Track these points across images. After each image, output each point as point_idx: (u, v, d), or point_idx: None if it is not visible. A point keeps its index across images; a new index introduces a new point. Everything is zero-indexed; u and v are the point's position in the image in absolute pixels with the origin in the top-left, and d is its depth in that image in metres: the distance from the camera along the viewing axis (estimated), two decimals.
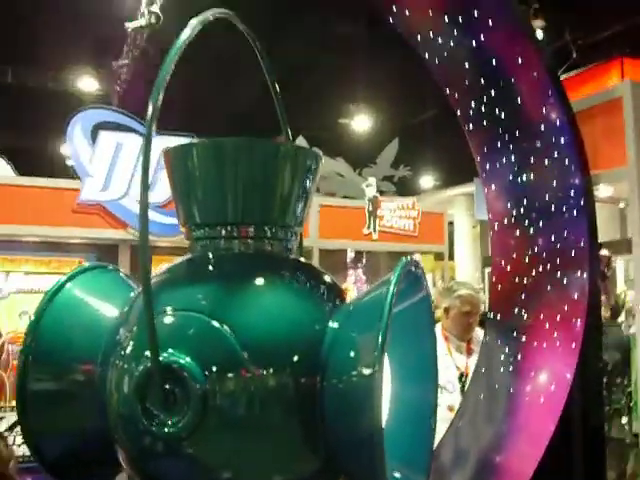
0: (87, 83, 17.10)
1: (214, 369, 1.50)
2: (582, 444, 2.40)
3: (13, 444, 6.49)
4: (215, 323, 1.55)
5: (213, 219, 1.78)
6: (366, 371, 1.42)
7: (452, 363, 4.01)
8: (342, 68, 14.48)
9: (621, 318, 6.76)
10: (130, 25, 13.36)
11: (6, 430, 6.74)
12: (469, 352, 4.17)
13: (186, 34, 1.68)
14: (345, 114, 17.55)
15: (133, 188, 6.48)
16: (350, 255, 7.65)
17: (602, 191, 4.81)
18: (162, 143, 6.51)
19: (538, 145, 2.50)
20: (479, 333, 4.30)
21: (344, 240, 7.28)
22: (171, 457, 1.57)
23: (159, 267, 6.20)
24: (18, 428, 5.74)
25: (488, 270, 13.48)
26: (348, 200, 8.08)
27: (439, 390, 3.33)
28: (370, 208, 7.54)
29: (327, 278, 1.84)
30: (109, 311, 1.83)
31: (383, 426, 1.40)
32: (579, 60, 12.96)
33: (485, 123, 2.66)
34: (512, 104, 2.54)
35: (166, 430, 1.49)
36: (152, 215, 6.51)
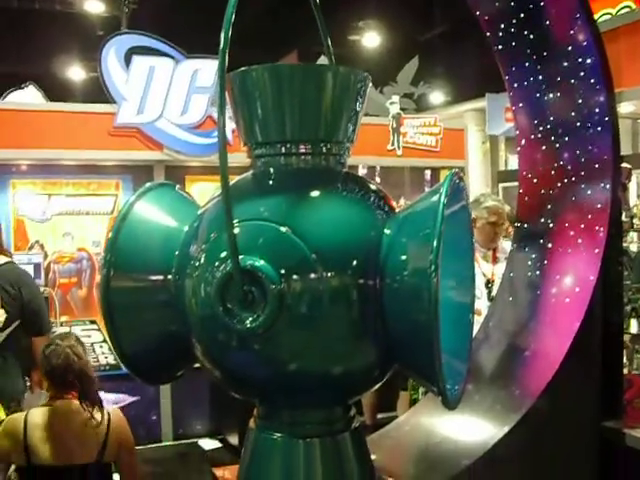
0: (94, 5, 16.81)
1: (288, 270, 1.67)
2: (603, 338, 2.58)
3: None
4: (283, 229, 1.71)
5: (273, 137, 1.90)
6: (423, 272, 1.57)
7: (479, 270, 4.15)
8: None
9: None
10: None
11: None
12: (495, 260, 4.33)
13: None
14: (355, 31, 17.27)
15: (167, 110, 6.55)
16: (362, 171, 7.69)
17: (623, 107, 4.86)
18: (192, 66, 6.61)
19: (565, 65, 2.60)
20: (504, 243, 4.45)
21: (368, 156, 7.33)
22: (248, 351, 1.75)
23: (192, 187, 6.32)
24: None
25: (502, 185, 13.50)
26: (371, 117, 8.10)
27: None
28: (394, 125, 7.60)
29: (376, 189, 1.98)
30: (177, 225, 1.98)
31: (439, 319, 1.57)
32: None
33: (514, 44, 2.75)
34: (541, 26, 2.62)
35: (247, 326, 1.66)
36: (185, 136, 6.61)
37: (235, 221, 1.73)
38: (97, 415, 3.01)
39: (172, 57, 6.57)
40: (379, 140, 7.46)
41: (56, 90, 14.19)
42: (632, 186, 11.47)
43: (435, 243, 1.56)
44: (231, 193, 1.81)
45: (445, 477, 2.33)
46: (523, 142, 2.89)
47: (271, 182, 1.92)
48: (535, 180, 2.84)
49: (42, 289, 6.35)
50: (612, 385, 2.62)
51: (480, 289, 4.00)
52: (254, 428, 1.96)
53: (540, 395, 2.41)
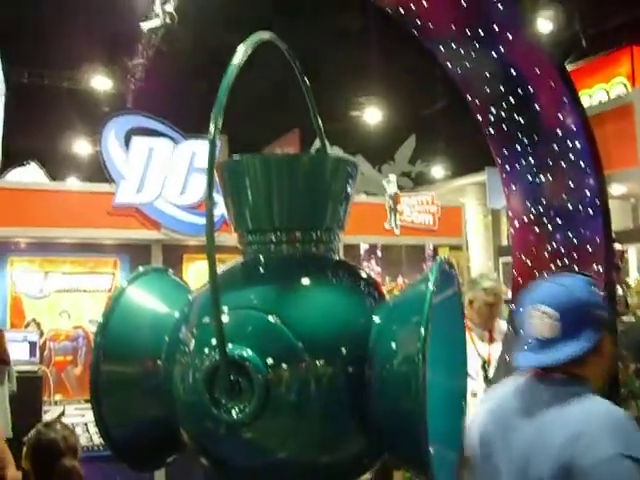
0: (101, 82, 17.19)
1: (275, 359, 1.66)
2: None
3: None
4: (271, 318, 1.71)
5: (263, 225, 1.93)
6: (410, 361, 1.57)
7: (475, 351, 4.13)
8: (352, 61, 14.49)
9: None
10: (145, 26, 13.45)
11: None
12: (491, 340, 4.29)
13: (237, 59, 1.83)
14: (356, 107, 17.53)
15: (166, 190, 6.63)
16: (364, 247, 7.74)
17: (615, 189, 4.91)
18: (190, 147, 6.71)
19: (555, 148, 2.64)
20: (500, 322, 4.42)
21: (367, 235, 7.39)
22: (234, 440, 1.73)
23: (190, 266, 6.40)
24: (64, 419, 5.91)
25: (502, 260, 13.53)
26: (370, 197, 8.21)
27: None
28: (391, 204, 7.68)
29: (366, 276, 1.99)
30: (168, 311, 1.99)
31: (426, 409, 1.55)
32: (589, 49, 12.94)
33: (505, 128, 2.79)
34: (531, 110, 2.67)
35: (233, 416, 1.64)
36: (184, 216, 6.67)
37: (224, 308, 1.73)
38: None
39: (171, 138, 6.68)
40: (377, 219, 7.53)
41: (61, 165, 14.38)
42: (632, 260, 11.49)
43: (422, 331, 1.56)
44: (221, 280, 1.82)
45: None
46: (516, 224, 2.92)
47: (261, 269, 1.93)
48: (529, 262, 2.85)
49: (36, 367, 6.34)
50: None
51: (476, 370, 3.96)
52: None
53: None
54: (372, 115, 17.64)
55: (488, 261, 16.53)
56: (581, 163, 2.57)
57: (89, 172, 15.23)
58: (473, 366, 3.98)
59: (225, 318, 1.72)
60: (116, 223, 6.58)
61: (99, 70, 17.02)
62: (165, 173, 6.59)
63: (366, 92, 16.95)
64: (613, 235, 2.68)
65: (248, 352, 1.66)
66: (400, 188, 8.32)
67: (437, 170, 19.02)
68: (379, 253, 7.90)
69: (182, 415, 1.83)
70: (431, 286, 1.61)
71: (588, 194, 2.57)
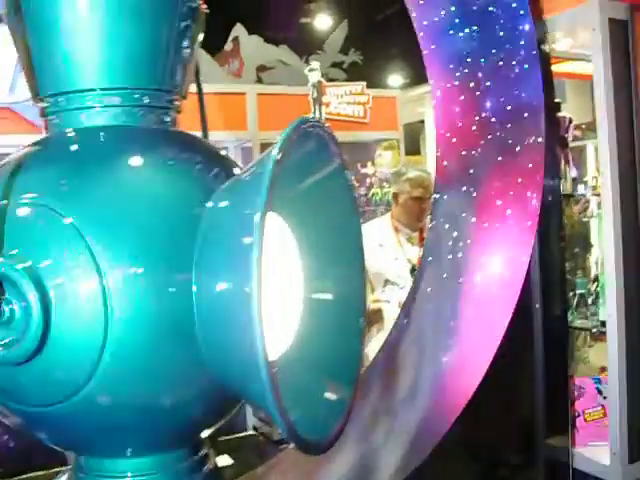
0: None
1: (64, 275, 1.22)
2: (543, 334, 2.19)
3: None
4: (67, 221, 1.26)
5: (68, 86, 1.47)
6: (238, 280, 1.13)
7: (402, 255, 3.81)
8: None
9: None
10: None
11: None
12: (422, 242, 3.97)
13: None
14: (306, 13, 17.22)
15: None
16: None
17: (561, 44, 4.17)
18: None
19: None
20: None
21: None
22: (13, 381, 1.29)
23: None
24: None
25: None
26: (288, 87, 7.70)
27: (389, 285, 3.04)
28: (314, 95, 7.21)
29: (216, 153, 1.56)
30: None
31: (266, 348, 1.09)
32: None
33: None
34: None
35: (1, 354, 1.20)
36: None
37: (5, 202, 1.30)
38: None
39: None
40: (300, 112, 7.08)
41: None
42: (590, 158, 11.18)
43: (257, 220, 1.09)
44: (8, 163, 1.40)
45: None
46: (439, 93, 2.50)
47: (63, 148, 1.47)
48: (454, 139, 2.44)
49: None
50: (558, 393, 2.23)
51: (404, 277, 3.64)
52: None
53: (462, 413, 2.00)
54: (323, 21, 17.38)
55: None
56: (513, 4, 2.12)
57: None
58: (400, 273, 3.67)
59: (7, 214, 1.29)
60: None
61: None
62: None
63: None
64: (557, 99, 2.27)
65: (26, 264, 1.20)
66: (332, 80, 7.86)
67: (395, 79, 18.97)
68: None
69: None
70: (275, 153, 1.14)
71: (523, 44, 2.13)
